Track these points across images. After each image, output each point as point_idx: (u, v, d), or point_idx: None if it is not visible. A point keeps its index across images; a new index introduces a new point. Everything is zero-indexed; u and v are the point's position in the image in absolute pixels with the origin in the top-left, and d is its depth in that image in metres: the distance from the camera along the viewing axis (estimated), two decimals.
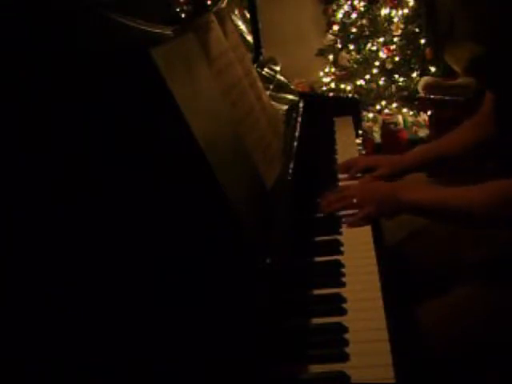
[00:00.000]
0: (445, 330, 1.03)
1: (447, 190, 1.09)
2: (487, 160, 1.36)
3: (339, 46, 3.47)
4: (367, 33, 3.39)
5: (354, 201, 1.16)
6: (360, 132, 1.76)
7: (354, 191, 1.20)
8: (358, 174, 1.38)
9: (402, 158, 1.40)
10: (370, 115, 3.37)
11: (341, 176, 1.40)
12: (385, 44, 3.36)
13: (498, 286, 1.05)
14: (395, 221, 1.19)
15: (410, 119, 3.32)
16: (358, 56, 3.42)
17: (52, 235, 0.64)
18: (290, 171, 1.20)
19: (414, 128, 3.28)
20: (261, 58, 1.71)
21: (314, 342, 0.86)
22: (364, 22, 3.38)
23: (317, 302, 0.95)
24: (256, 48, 1.71)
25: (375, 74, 3.39)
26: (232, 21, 1.27)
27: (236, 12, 1.64)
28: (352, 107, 1.87)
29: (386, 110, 3.40)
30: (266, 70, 1.66)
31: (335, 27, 3.46)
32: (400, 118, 3.32)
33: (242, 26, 1.67)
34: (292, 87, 1.86)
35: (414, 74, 3.34)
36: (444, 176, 1.54)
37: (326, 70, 3.54)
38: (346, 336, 0.85)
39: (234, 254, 0.83)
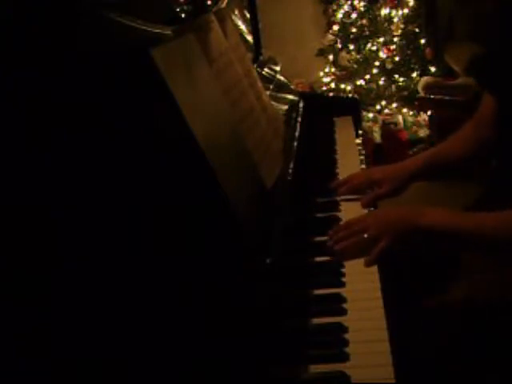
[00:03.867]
0: (445, 330, 1.03)
1: (481, 215, 0.99)
2: (491, 159, 1.33)
3: (339, 46, 3.46)
4: (367, 33, 3.39)
5: (365, 235, 1.02)
6: (360, 132, 1.76)
7: (364, 224, 1.05)
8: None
9: (402, 168, 1.29)
10: (370, 115, 3.37)
11: (343, 197, 1.28)
12: (385, 44, 3.35)
13: (499, 286, 1.05)
14: None
15: (410, 119, 3.32)
16: (358, 56, 3.41)
17: (52, 235, 0.64)
18: (290, 171, 1.20)
19: (414, 128, 3.28)
20: (261, 57, 1.71)
21: (314, 341, 0.86)
22: (364, 21, 3.38)
23: (317, 301, 0.95)
24: (256, 48, 1.71)
25: (375, 74, 3.39)
26: (232, 21, 1.27)
27: (236, 12, 1.63)
28: (352, 107, 1.87)
29: (386, 110, 3.40)
30: (266, 69, 1.66)
31: (335, 27, 3.45)
32: (400, 117, 3.32)
33: (242, 26, 1.67)
34: (292, 87, 1.86)
35: (414, 74, 3.34)
36: (444, 177, 1.53)
37: (326, 69, 3.54)
38: (346, 336, 0.85)
39: (234, 255, 0.83)
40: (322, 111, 1.82)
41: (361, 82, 3.42)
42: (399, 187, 1.26)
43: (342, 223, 1.11)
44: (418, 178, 1.30)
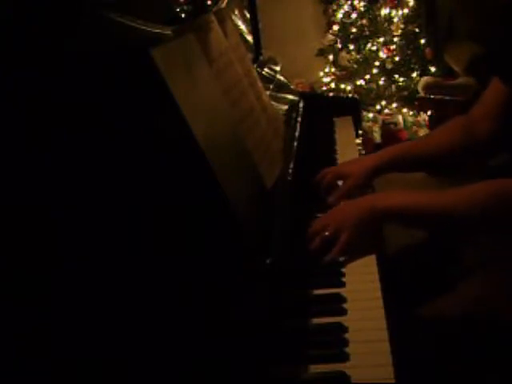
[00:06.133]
0: (445, 330, 1.03)
1: (435, 193, 0.98)
2: (489, 158, 1.31)
3: (339, 46, 3.47)
4: (367, 33, 3.39)
5: (327, 233, 0.99)
6: (360, 132, 1.76)
7: (324, 222, 1.03)
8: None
9: (367, 162, 1.27)
10: (370, 115, 3.37)
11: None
12: (385, 44, 3.36)
13: (499, 285, 1.05)
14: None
15: (410, 119, 3.32)
16: (358, 56, 3.41)
17: (52, 235, 0.64)
18: (290, 171, 1.20)
19: (414, 128, 3.28)
20: (261, 58, 1.71)
21: (314, 341, 0.86)
22: (364, 21, 3.38)
23: (317, 302, 0.95)
24: (256, 48, 1.71)
25: (375, 74, 3.39)
26: (232, 21, 1.28)
27: (236, 12, 1.63)
28: (352, 107, 1.87)
29: (386, 110, 3.40)
30: (265, 69, 1.66)
31: (335, 27, 3.46)
32: (400, 118, 3.32)
33: (242, 26, 1.67)
34: (292, 87, 1.86)
35: (414, 74, 3.34)
36: (443, 175, 1.52)
37: (326, 69, 3.54)
38: (346, 336, 0.85)
39: (234, 254, 0.83)
40: (322, 111, 1.82)
41: (361, 82, 3.42)
42: (363, 181, 1.23)
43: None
44: (384, 172, 1.27)
